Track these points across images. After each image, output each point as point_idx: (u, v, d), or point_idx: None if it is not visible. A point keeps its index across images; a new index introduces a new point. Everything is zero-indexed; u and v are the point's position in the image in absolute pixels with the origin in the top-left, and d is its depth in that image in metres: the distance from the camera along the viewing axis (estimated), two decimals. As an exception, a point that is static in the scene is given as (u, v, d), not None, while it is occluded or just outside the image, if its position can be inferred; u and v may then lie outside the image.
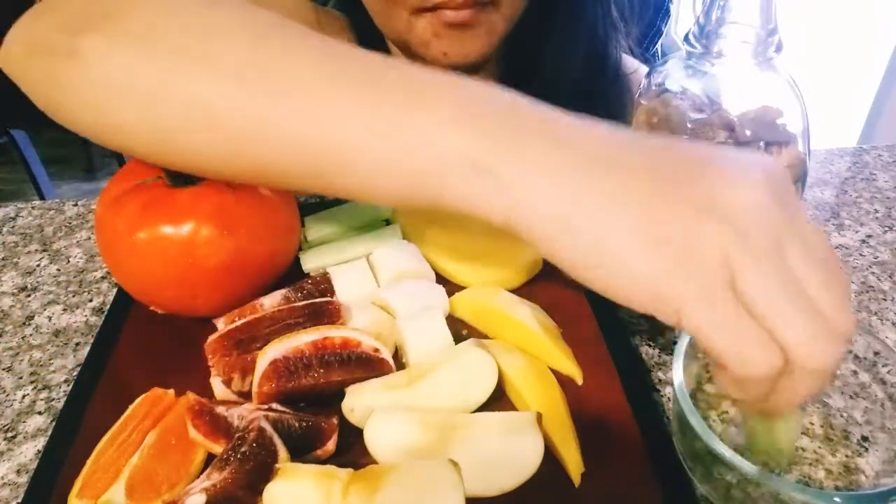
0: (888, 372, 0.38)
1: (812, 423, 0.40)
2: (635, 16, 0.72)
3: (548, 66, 0.66)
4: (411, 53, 0.60)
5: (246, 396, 0.40)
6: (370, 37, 0.66)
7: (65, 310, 0.52)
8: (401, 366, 0.43)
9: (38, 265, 0.57)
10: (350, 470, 0.34)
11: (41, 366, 0.47)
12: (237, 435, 0.36)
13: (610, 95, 0.68)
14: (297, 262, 0.50)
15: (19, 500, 0.36)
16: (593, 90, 0.67)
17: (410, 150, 0.29)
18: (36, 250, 0.59)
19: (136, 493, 0.35)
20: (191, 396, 0.38)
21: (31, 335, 0.50)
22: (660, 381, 0.44)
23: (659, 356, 0.45)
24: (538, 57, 0.66)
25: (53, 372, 0.46)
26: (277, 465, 0.33)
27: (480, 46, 0.58)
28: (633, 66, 0.72)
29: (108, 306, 0.49)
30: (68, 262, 0.57)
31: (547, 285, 0.49)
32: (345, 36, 0.71)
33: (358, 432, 0.38)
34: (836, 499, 0.31)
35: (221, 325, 0.44)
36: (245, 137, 0.32)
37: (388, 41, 0.67)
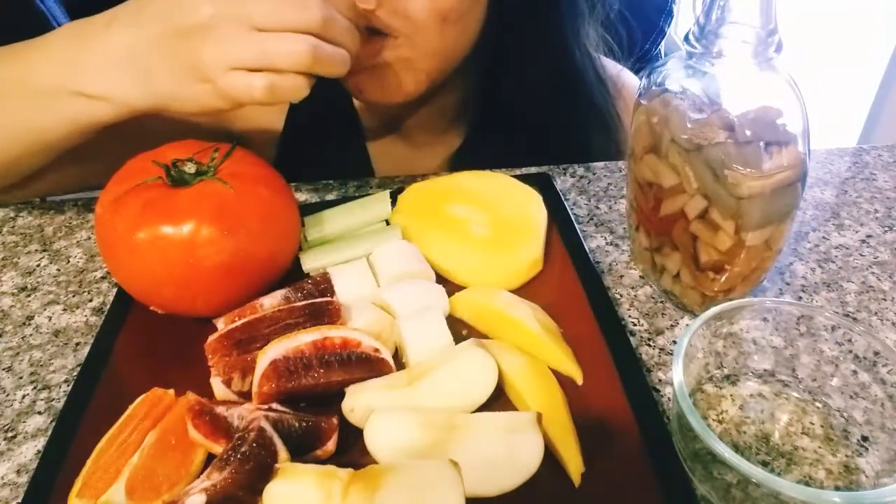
0: (888, 372, 0.38)
1: (812, 423, 0.40)
2: (620, 23, 0.70)
3: (511, 81, 0.64)
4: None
5: (246, 396, 0.40)
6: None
7: (65, 310, 0.52)
8: (401, 366, 0.43)
9: (38, 265, 0.57)
10: (350, 470, 0.34)
11: (41, 366, 0.47)
12: (237, 435, 0.36)
13: (584, 100, 0.66)
14: (297, 262, 0.50)
15: (19, 500, 0.36)
16: (564, 98, 0.65)
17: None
18: (36, 250, 0.59)
19: (136, 493, 0.35)
20: (191, 396, 0.38)
21: (31, 335, 0.50)
22: (660, 381, 0.44)
23: (659, 356, 0.45)
24: (501, 74, 0.64)
25: (53, 372, 0.46)
26: (277, 465, 0.33)
27: (401, 85, 0.56)
28: (614, 70, 0.70)
29: (108, 306, 0.49)
30: (68, 262, 0.57)
31: (547, 285, 0.49)
32: None
33: (358, 432, 0.38)
34: (836, 499, 0.31)
35: (221, 325, 0.44)
36: None
37: None
